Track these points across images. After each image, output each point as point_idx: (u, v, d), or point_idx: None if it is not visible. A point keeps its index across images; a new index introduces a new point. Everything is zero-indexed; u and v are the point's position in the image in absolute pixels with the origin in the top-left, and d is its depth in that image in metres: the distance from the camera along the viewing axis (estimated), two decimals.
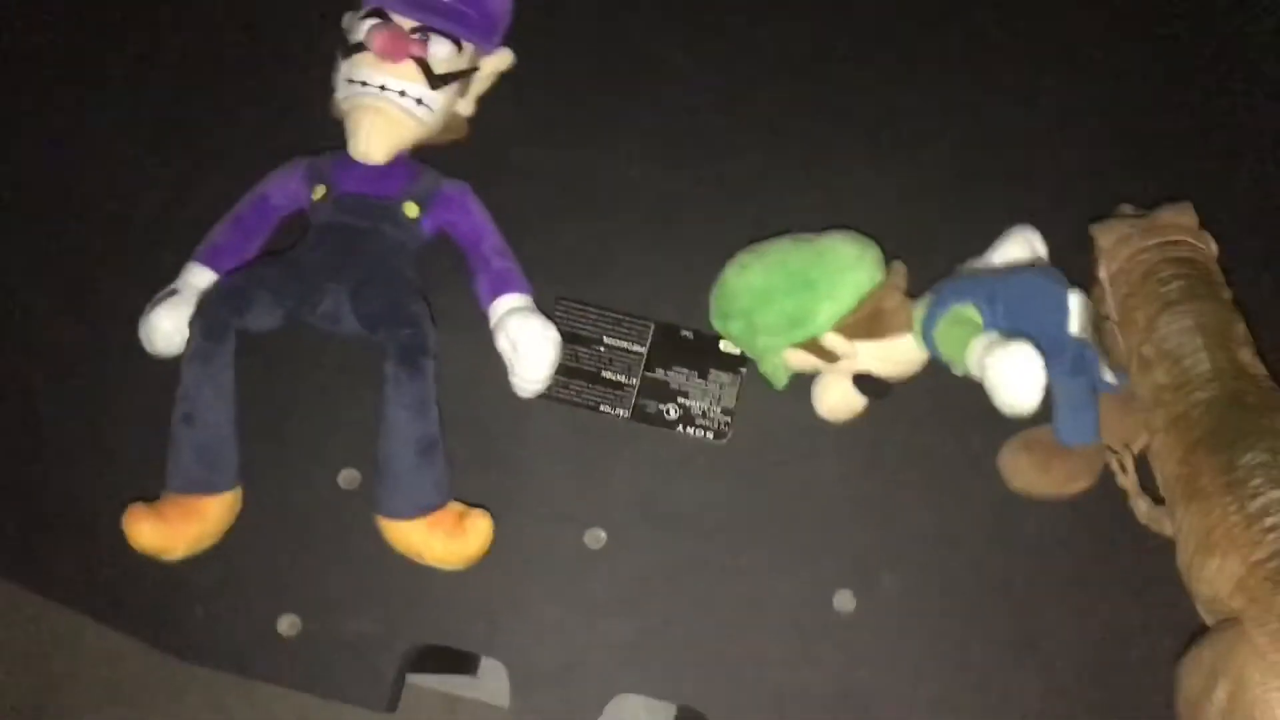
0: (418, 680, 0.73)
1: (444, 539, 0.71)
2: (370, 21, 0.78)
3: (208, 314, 0.72)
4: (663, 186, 0.87)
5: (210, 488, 0.71)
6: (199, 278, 0.77)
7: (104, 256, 0.82)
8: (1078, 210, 0.82)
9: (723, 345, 0.81)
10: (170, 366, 0.74)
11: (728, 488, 0.77)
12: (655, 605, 0.74)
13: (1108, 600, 0.73)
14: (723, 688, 0.72)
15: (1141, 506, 0.71)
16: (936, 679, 0.71)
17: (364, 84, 0.77)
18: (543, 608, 0.73)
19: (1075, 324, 0.75)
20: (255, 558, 0.73)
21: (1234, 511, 0.60)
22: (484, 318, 0.78)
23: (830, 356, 0.75)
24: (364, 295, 0.75)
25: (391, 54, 0.77)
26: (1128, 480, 0.72)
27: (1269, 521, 0.59)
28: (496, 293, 0.77)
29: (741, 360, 0.80)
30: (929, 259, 0.80)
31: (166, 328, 0.74)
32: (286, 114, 0.87)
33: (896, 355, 0.77)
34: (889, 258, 0.78)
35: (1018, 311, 0.73)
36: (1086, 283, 0.78)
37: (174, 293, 0.75)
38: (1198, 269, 0.69)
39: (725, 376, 0.80)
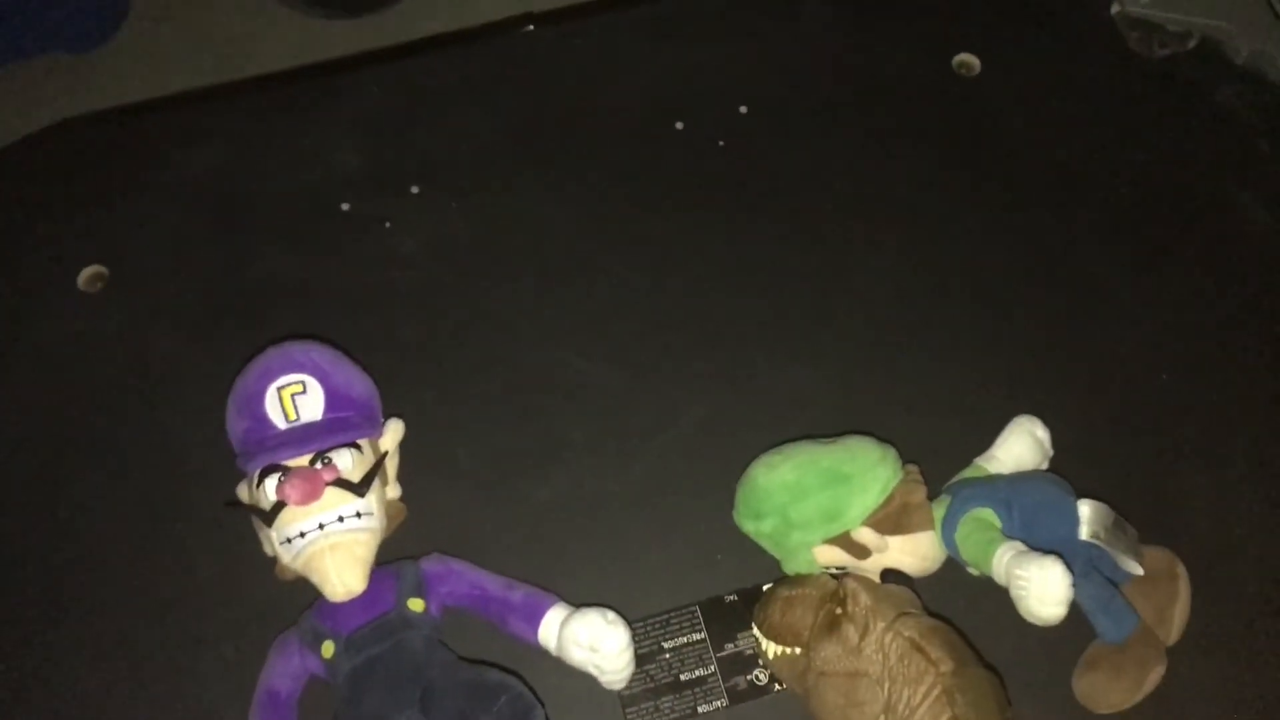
0: None
1: None
2: (271, 480, 0.78)
3: None
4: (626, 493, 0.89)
5: None
6: None
7: None
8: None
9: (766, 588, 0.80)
10: None
11: None
12: None
13: None
14: None
15: None
16: None
17: (302, 534, 0.77)
18: None
19: (1085, 531, 0.78)
20: None
21: None
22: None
23: (862, 551, 0.77)
24: (433, 704, 0.73)
25: (312, 494, 0.76)
26: None
27: None
28: (536, 619, 0.77)
29: None
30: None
31: None
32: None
33: (922, 550, 0.79)
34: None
35: (1033, 520, 0.77)
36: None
37: None
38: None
39: None
